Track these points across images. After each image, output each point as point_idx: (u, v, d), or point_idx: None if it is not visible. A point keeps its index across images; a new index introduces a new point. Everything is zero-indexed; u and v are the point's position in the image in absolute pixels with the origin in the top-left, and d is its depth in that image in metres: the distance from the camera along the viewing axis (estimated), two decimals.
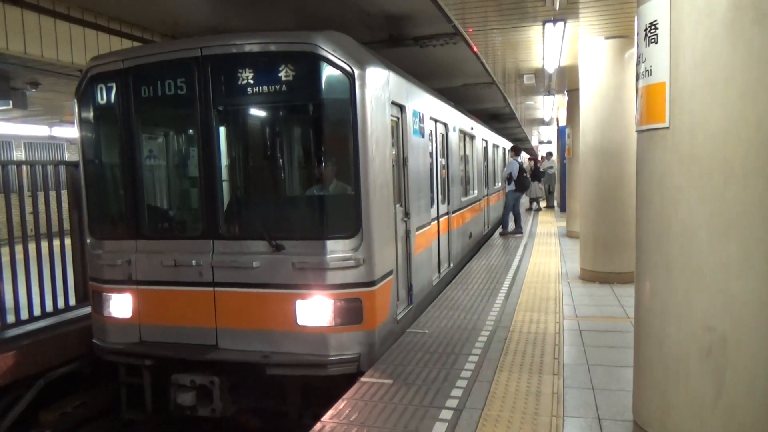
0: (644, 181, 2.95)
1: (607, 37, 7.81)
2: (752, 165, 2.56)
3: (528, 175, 13.23)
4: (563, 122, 15.96)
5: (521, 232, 13.30)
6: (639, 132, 2.99)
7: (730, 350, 2.60)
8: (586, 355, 4.95)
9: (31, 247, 5.62)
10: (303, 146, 5.62)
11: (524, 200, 16.59)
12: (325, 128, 4.91)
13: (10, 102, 9.29)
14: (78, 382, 5.72)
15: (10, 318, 5.39)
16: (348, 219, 4.69)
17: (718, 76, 2.59)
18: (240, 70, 4.72)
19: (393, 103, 5.43)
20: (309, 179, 5.28)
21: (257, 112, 5.36)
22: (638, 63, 2.92)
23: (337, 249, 4.63)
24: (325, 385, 4.72)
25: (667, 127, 2.73)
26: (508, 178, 12.97)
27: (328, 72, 4.58)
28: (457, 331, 5.62)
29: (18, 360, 5.03)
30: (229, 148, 5.27)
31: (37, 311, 5.58)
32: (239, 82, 4.74)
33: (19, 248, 5.47)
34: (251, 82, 4.73)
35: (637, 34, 2.91)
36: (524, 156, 21.49)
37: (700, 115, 2.65)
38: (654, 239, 2.87)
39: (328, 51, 4.54)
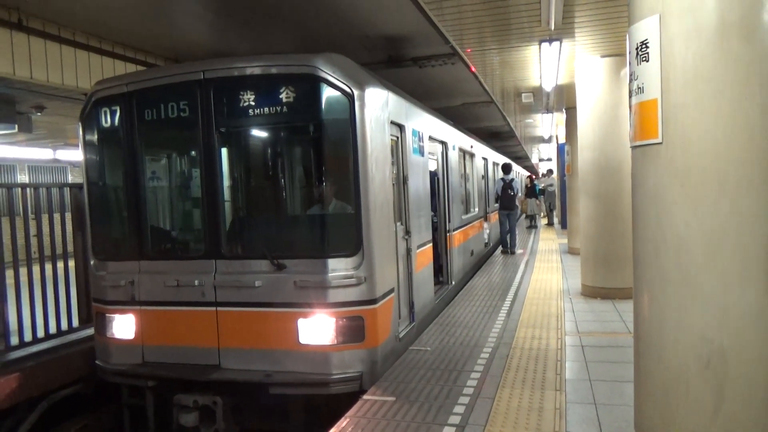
0: (639, 195, 3.00)
1: (603, 56, 7.93)
2: (745, 177, 2.60)
3: (515, 194, 13.08)
4: (563, 139, 16.07)
5: (509, 252, 13.11)
6: (633, 148, 3.04)
7: (728, 361, 2.62)
8: (589, 371, 4.94)
9: (36, 269, 5.66)
10: (304, 166, 5.69)
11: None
12: (326, 148, 4.98)
13: (16, 126, 9.41)
14: (81, 403, 5.72)
15: (14, 340, 5.40)
16: (349, 237, 4.74)
17: (708, 92, 2.65)
18: (241, 93, 4.80)
19: (392, 122, 5.50)
20: (310, 198, 5.34)
21: (259, 134, 5.44)
22: (631, 80, 2.99)
23: (338, 267, 4.66)
24: (327, 403, 4.72)
25: (660, 143, 2.79)
26: (496, 197, 13.03)
27: (328, 93, 4.67)
28: (459, 348, 5.63)
29: (21, 382, 5.03)
30: (231, 169, 5.34)
31: (40, 333, 5.59)
32: (241, 104, 4.82)
33: (23, 270, 5.51)
34: (253, 104, 4.81)
35: (629, 52, 2.98)
36: (522, 173, 21.53)
37: (692, 130, 2.70)
38: (650, 253, 2.90)
39: (327, 72, 4.62)
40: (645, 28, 2.82)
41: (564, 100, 12.38)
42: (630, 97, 3.02)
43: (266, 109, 4.81)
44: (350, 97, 4.63)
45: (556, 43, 7.34)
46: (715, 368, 2.65)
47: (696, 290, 2.69)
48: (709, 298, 2.67)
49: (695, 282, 2.70)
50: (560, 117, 15.39)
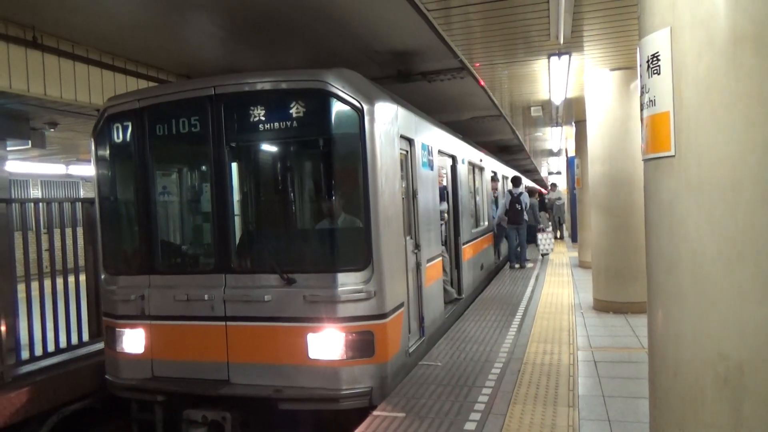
0: (652, 209, 2.96)
1: (612, 69, 7.92)
2: (761, 190, 2.56)
3: (523, 208, 12.88)
4: (572, 153, 16.02)
5: (519, 266, 12.93)
6: (645, 161, 3.01)
7: (746, 378, 2.56)
8: (602, 387, 4.87)
9: (47, 283, 5.69)
10: (314, 180, 5.70)
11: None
12: (336, 162, 4.99)
13: (29, 141, 9.52)
14: (91, 418, 5.71)
15: (25, 354, 5.42)
16: (359, 252, 4.73)
17: (721, 104, 2.62)
18: (252, 108, 4.84)
19: (402, 136, 5.51)
20: (320, 213, 5.34)
21: (269, 148, 5.46)
22: (642, 93, 2.96)
23: (348, 282, 4.64)
24: (337, 419, 4.68)
25: (673, 156, 2.76)
26: (504, 211, 12.86)
27: (337, 108, 4.69)
28: (469, 364, 5.57)
29: (32, 396, 5.04)
30: (241, 184, 5.36)
31: (51, 347, 5.61)
32: (251, 119, 4.86)
33: (35, 284, 5.55)
34: (263, 119, 4.84)
35: (640, 65, 2.96)
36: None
37: (705, 143, 2.67)
38: (664, 268, 2.86)
39: (337, 87, 4.65)
40: (656, 41, 2.80)
41: (573, 113, 12.36)
42: (642, 110, 3.00)
43: (276, 124, 4.83)
44: (360, 112, 4.64)
45: (565, 57, 7.34)
46: (734, 385, 2.59)
47: (712, 305, 2.65)
48: (725, 313, 2.62)
49: (711, 297, 2.65)
50: (569, 130, 15.37)
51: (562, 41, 6.25)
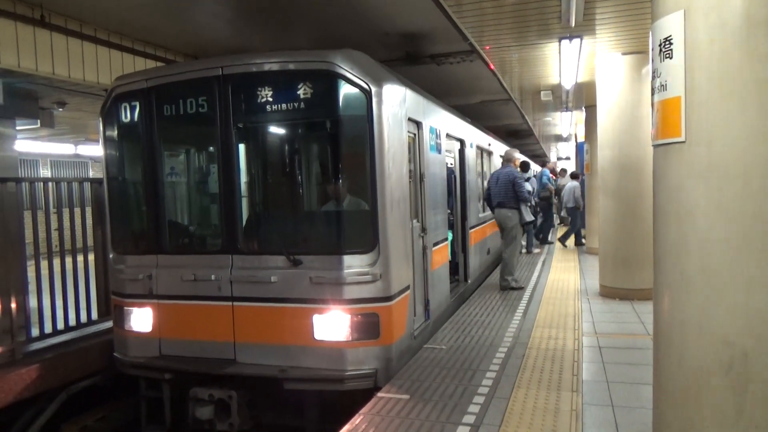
0: (661, 195, 2.94)
1: (624, 53, 7.81)
2: None
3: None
4: (582, 138, 15.89)
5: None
6: (655, 146, 2.98)
7: (751, 366, 2.56)
8: (606, 372, 4.88)
9: (56, 262, 5.75)
10: (321, 162, 5.69)
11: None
12: (343, 144, 4.98)
13: (38, 121, 9.55)
14: (99, 395, 5.80)
15: (35, 331, 5.50)
16: (365, 234, 4.73)
17: (733, 89, 2.58)
18: (259, 89, 4.82)
19: (410, 119, 5.48)
20: (326, 195, 5.35)
21: (276, 130, 5.45)
22: (653, 78, 2.93)
23: (354, 264, 4.66)
24: (342, 400, 4.72)
25: (683, 141, 2.73)
26: None
27: (345, 89, 4.66)
28: (474, 347, 5.60)
29: (41, 373, 5.12)
30: (248, 165, 5.36)
31: (60, 325, 5.68)
32: (259, 100, 4.84)
33: (44, 263, 5.60)
34: (270, 100, 4.82)
35: (652, 49, 2.92)
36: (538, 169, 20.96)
37: (716, 129, 2.64)
38: (672, 254, 2.84)
39: (345, 69, 4.62)
40: (669, 24, 2.75)
41: (584, 97, 12.23)
42: (652, 94, 2.96)
43: (284, 105, 4.82)
44: (368, 94, 4.62)
45: (576, 40, 7.24)
46: (738, 373, 2.59)
47: (719, 293, 2.63)
48: (732, 301, 2.61)
49: (718, 284, 2.64)
50: (579, 115, 15.22)
51: (573, 24, 6.15)
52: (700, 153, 2.68)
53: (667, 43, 2.77)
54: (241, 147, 5.21)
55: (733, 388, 2.60)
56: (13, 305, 5.21)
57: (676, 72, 2.73)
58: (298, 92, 4.73)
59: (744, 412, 2.58)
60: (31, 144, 15.23)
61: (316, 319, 4.67)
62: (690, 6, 2.66)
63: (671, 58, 2.75)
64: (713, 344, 2.66)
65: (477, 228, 9.38)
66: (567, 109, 14.24)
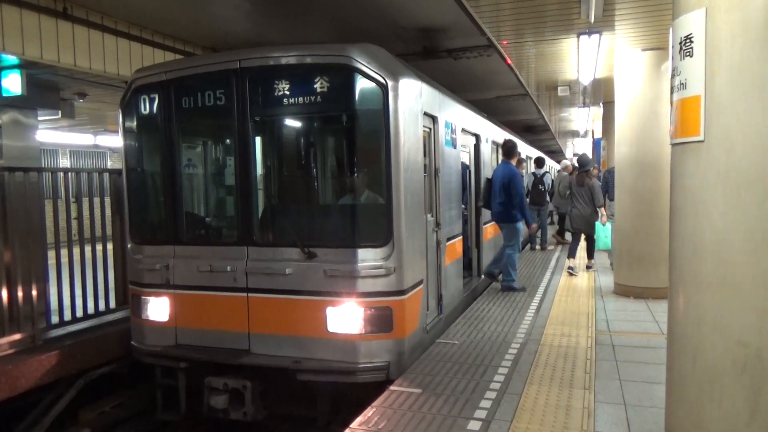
0: (678, 194, 2.92)
1: (644, 49, 7.71)
2: None
3: (546, 189, 12.67)
4: (599, 134, 15.74)
5: (540, 248, 12.72)
6: (673, 145, 2.97)
7: (766, 367, 2.55)
8: (619, 371, 4.87)
9: (76, 251, 5.85)
10: (336, 156, 5.72)
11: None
12: (359, 138, 5.00)
13: (59, 112, 9.68)
14: (116, 382, 5.91)
15: (55, 319, 5.61)
16: (379, 228, 4.75)
17: (754, 89, 2.56)
18: (277, 82, 4.85)
19: (425, 114, 5.48)
20: (342, 188, 5.37)
21: (293, 123, 5.48)
22: (673, 76, 2.90)
23: (368, 257, 4.69)
24: (354, 392, 4.77)
25: (702, 140, 2.71)
26: (526, 191, 12.57)
27: (362, 83, 4.67)
28: (486, 343, 5.60)
29: (60, 360, 5.23)
30: (264, 158, 5.41)
31: (79, 313, 5.79)
32: (276, 94, 4.87)
33: (64, 252, 5.71)
34: (287, 93, 4.85)
35: (672, 47, 2.90)
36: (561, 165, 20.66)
37: (735, 128, 2.62)
38: (688, 253, 2.83)
39: (362, 63, 4.63)
40: (690, 22, 2.73)
41: (601, 93, 12.11)
42: (672, 92, 2.94)
43: (300, 99, 4.85)
44: (384, 88, 4.63)
45: (595, 36, 7.17)
46: (752, 373, 2.58)
47: (734, 293, 2.62)
48: (747, 301, 2.59)
49: (734, 285, 2.63)
50: (597, 111, 15.07)
51: (593, 20, 6.09)
52: (719, 153, 2.66)
53: (688, 41, 2.74)
54: (258, 140, 5.25)
55: (747, 388, 2.59)
56: (34, 292, 5.32)
57: (697, 71, 2.71)
58: (315, 86, 4.75)
59: (758, 413, 2.57)
60: (51, 134, 15.45)
61: (330, 311, 4.71)
62: (712, 4, 2.64)
63: (691, 56, 2.73)
64: (727, 344, 2.65)
65: (491, 223, 9.35)
66: (584, 105, 14.11)
